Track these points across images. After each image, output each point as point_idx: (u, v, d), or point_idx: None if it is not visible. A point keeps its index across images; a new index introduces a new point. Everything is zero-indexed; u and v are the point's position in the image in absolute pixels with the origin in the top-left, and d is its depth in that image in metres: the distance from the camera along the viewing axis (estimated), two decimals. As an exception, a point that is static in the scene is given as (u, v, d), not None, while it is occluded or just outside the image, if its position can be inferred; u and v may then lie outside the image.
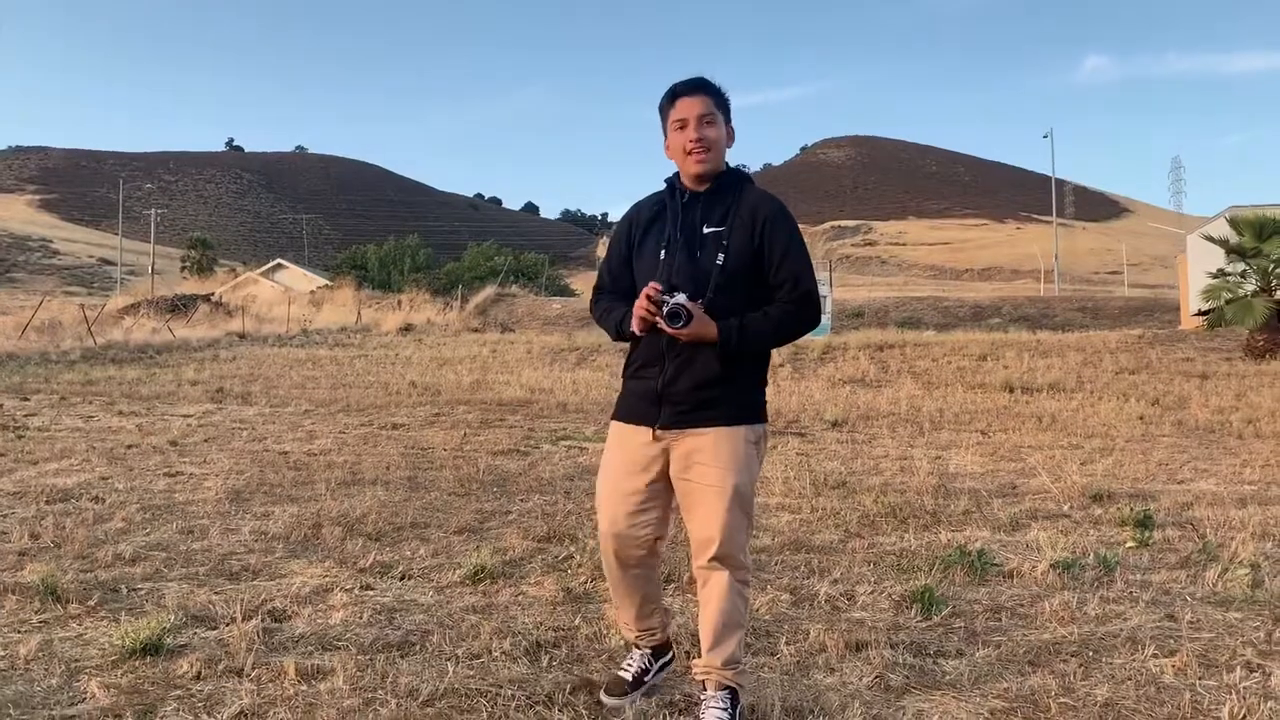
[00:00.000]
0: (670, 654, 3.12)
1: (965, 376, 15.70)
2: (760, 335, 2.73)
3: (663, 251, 2.82)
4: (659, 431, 2.80)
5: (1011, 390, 13.82)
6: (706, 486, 2.75)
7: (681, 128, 2.80)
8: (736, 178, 2.88)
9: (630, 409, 2.89)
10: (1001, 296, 41.45)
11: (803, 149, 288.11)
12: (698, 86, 2.80)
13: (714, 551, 2.76)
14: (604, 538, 2.93)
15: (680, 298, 2.68)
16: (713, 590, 2.79)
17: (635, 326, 2.76)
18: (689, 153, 2.79)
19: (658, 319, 2.70)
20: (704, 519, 2.77)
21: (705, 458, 2.75)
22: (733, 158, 2.94)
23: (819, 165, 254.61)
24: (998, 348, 19.00)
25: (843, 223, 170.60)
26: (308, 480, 6.75)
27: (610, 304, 2.94)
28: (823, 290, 25.93)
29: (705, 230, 2.79)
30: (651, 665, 3.05)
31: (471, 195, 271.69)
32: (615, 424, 2.94)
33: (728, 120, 2.86)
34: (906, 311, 34.25)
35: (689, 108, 2.78)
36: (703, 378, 2.75)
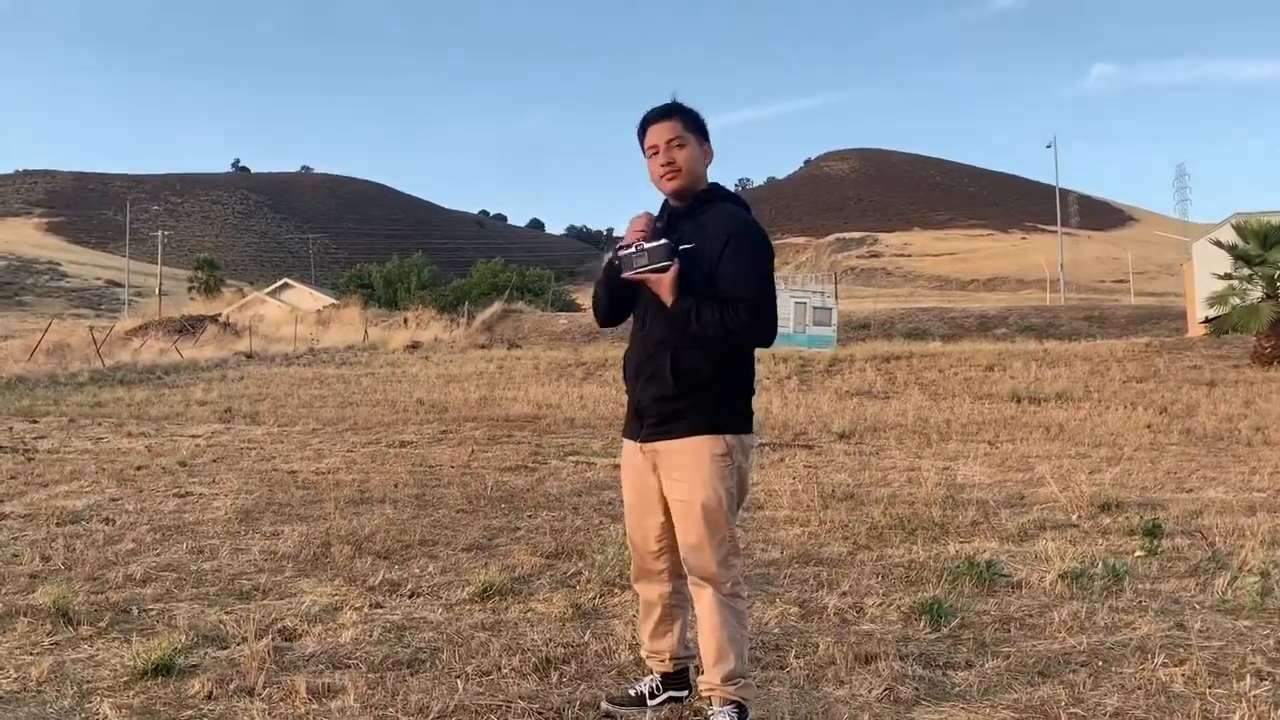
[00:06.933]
0: (686, 688, 3.07)
1: (972, 387, 15.68)
2: (705, 326, 2.74)
3: None
4: (642, 445, 2.91)
5: (1019, 400, 13.80)
6: (676, 501, 2.84)
7: (654, 154, 2.89)
8: (711, 195, 2.93)
9: (626, 424, 3.04)
10: (1008, 306, 41.38)
11: (807, 162, 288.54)
12: (665, 113, 2.89)
13: (690, 567, 2.85)
14: (629, 542, 3.08)
15: (662, 241, 2.79)
16: (701, 607, 2.85)
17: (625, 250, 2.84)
18: (661, 176, 2.89)
19: (644, 247, 2.80)
20: (680, 534, 2.85)
21: (674, 473, 2.83)
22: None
23: (823, 178, 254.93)
24: (1004, 358, 18.97)
25: (847, 235, 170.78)
26: (316, 499, 6.77)
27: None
28: (828, 302, 25.84)
29: (681, 249, 2.87)
30: (659, 691, 3.06)
31: (477, 212, 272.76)
32: (623, 441, 3.08)
33: (704, 139, 2.93)
34: (912, 323, 34.22)
35: (659, 134, 2.88)
36: (663, 390, 2.82)
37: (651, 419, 2.86)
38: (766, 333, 2.76)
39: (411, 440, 10.18)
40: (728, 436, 2.81)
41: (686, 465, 2.79)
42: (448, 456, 8.91)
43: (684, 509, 2.80)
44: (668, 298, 2.77)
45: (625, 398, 3.05)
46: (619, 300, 2.98)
